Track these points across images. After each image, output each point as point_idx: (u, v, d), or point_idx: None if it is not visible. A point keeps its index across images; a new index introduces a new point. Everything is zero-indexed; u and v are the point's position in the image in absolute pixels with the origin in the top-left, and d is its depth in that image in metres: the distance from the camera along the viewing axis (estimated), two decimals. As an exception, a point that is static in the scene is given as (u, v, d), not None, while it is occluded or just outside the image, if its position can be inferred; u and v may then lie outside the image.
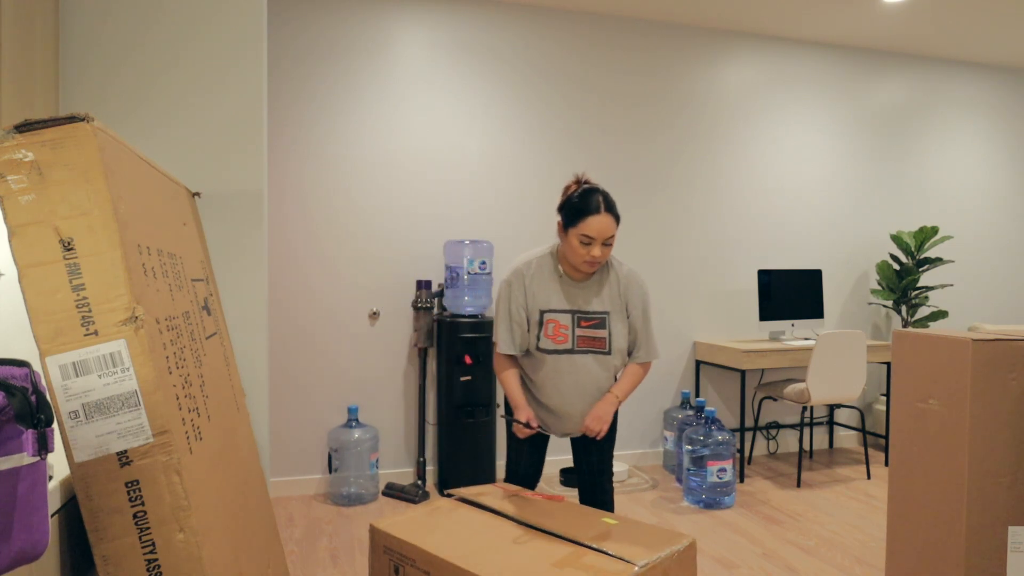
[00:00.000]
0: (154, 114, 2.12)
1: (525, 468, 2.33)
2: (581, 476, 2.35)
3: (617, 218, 2.09)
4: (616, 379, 2.29)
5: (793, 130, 4.78)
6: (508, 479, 2.35)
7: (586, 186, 2.12)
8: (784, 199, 4.77)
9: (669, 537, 1.76)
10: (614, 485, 4.04)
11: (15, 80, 1.82)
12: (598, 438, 2.20)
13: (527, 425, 2.17)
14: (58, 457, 1.28)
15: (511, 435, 2.32)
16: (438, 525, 1.90)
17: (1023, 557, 1.89)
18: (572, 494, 3.88)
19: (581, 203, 2.06)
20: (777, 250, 4.77)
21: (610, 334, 2.20)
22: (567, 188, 2.17)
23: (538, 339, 2.17)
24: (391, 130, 3.98)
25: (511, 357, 2.26)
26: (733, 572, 2.88)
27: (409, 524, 1.91)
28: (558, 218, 2.14)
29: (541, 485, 4.03)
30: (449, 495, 2.14)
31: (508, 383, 2.22)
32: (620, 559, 1.63)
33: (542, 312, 2.17)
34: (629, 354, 2.28)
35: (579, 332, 2.17)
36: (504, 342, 2.20)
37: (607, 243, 2.08)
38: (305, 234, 3.86)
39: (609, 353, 2.20)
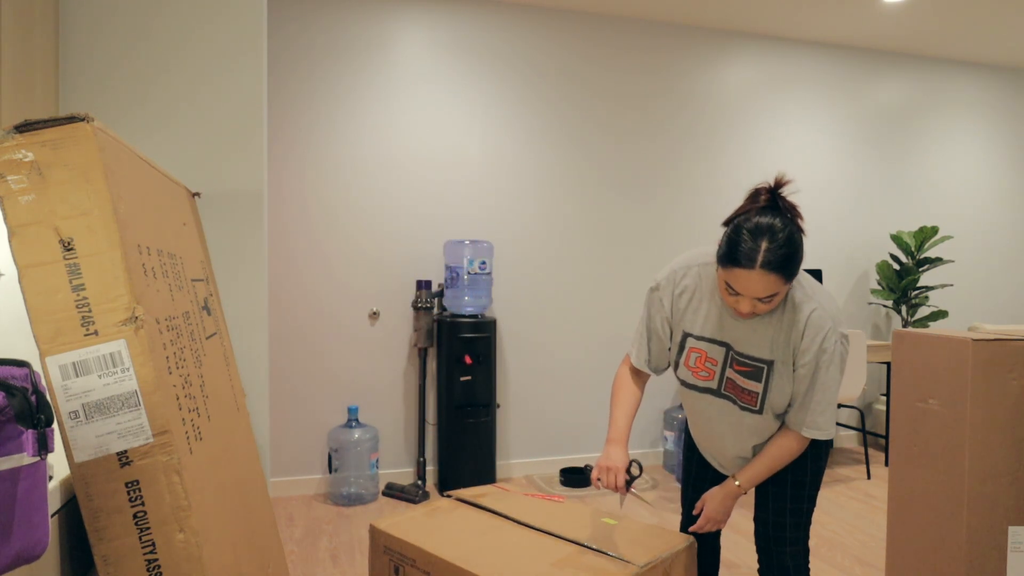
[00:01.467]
0: (154, 114, 2.12)
1: (687, 497, 1.95)
2: (756, 532, 1.83)
3: (786, 274, 1.45)
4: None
5: (793, 130, 4.78)
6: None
7: (755, 220, 1.46)
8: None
9: (669, 537, 1.76)
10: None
11: (15, 80, 1.82)
12: (711, 529, 1.74)
13: (628, 479, 1.71)
14: (58, 457, 1.28)
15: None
16: (438, 525, 1.90)
17: (1023, 557, 1.89)
18: (572, 494, 3.88)
19: (729, 246, 1.47)
20: (777, 250, 4.76)
21: (766, 390, 1.63)
22: (751, 197, 1.53)
23: (677, 365, 1.74)
24: (391, 130, 3.98)
25: (639, 375, 1.81)
26: (733, 572, 2.88)
27: (409, 524, 1.91)
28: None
29: (539, 484, 4.03)
30: (448, 496, 2.13)
31: (617, 398, 1.75)
32: (620, 559, 1.63)
33: (685, 335, 1.69)
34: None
35: (729, 374, 1.66)
36: (636, 352, 1.78)
37: (764, 301, 1.49)
38: (305, 234, 3.86)
39: (760, 412, 1.66)
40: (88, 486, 1.09)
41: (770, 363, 1.60)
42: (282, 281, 3.84)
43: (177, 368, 1.31)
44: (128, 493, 1.10)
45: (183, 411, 1.28)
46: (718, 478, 1.91)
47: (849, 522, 3.46)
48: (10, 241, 1.08)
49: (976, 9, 4.18)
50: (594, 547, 1.71)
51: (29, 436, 0.91)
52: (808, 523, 1.74)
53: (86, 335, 1.09)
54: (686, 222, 4.55)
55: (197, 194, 2.13)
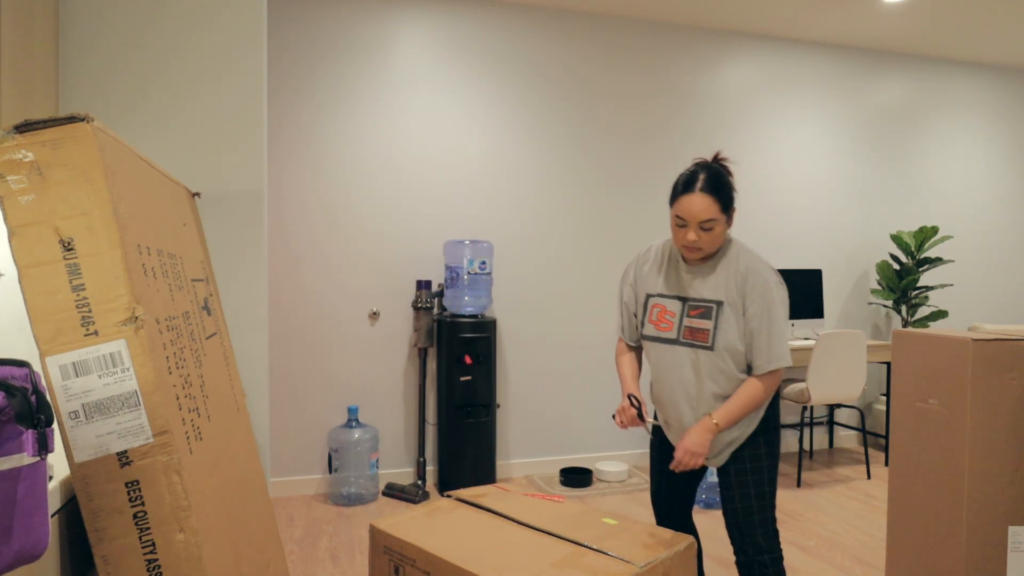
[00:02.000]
0: (154, 114, 2.12)
1: (659, 494, 2.12)
2: (727, 523, 1.99)
3: (722, 200, 1.83)
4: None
5: (793, 130, 4.78)
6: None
7: (693, 165, 1.90)
8: (784, 199, 4.77)
9: (669, 538, 1.76)
10: (615, 485, 4.04)
11: (15, 80, 1.82)
12: (686, 469, 1.89)
13: (635, 408, 1.91)
14: (58, 457, 1.28)
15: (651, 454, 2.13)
16: (438, 525, 1.90)
17: (1023, 557, 1.89)
18: (572, 494, 3.88)
19: (679, 180, 1.88)
20: (777, 250, 4.77)
21: (716, 327, 1.89)
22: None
23: (642, 324, 2.01)
24: (391, 130, 3.98)
25: (630, 348, 2.12)
26: (733, 572, 2.88)
27: (409, 524, 1.91)
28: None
29: (539, 484, 4.03)
30: (448, 496, 2.13)
31: (620, 367, 2.08)
32: (620, 559, 1.63)
33: (648, 296, 2.01)
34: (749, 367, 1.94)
35: (686, 322, 1.93)
36: (620, 328, 2.11)
37: (705, 227, 1.83)
38: (305, 234, 3.86)
39: (712, 349, 1.89)
40: (88, 486, 1.09)
41: (719, 303, 1.91)
42: (282, 281, 3.84)
43: (177, 368, 1.31)
44: (128, 493, 1.10)
45: (183, 411, 1.28)
46: (683, 473, 2.11)
47: (849, 522, 3.46)
48: (10, 241, 1.08)
49: (976, 9, 4.18)
50: (594, 547, 1.71)
51: (29, 436, 0.91)
52: (773, 504, 1.95)
53: (86, 335, 1.09)
54: (686, 222, 4.54)
55: (197, 194, 2.13)
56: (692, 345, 1.91)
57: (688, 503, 2.13)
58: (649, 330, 1.99)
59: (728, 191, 1.86)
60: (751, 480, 1.93)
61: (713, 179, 1.83)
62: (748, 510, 1.92)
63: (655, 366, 2.00)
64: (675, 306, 1.95)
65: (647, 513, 3.59)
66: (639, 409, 1.92)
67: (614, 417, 1.99)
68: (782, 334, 1.88)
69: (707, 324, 1.90)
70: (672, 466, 1.87)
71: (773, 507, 1.94)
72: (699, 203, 1.81)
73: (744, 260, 1.90)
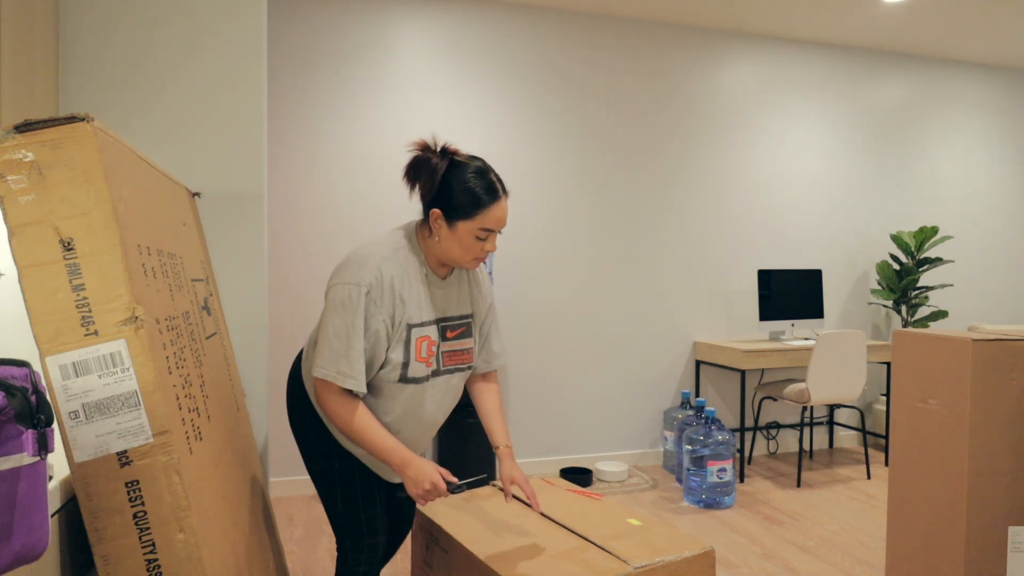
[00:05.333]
0: (154, 114, 2.12)
1: (384, 531, 1.75)
2: (396, 535, 1.90)
3: None
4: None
5: (793, 130, 4.78)
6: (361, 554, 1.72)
7: (464, 164, 1.57)
8: (784, 199, 4.77)
9: (684, 542, 1.74)
10: (614, 485, 4.04)
11: (15, 80, 1.82)
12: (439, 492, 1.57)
13: (463, 485, 1.57)
14: (58, 457, 1.28)
15: (345, 500, 1.69)
16: (470, 510, 1.99)
17: (1023, 557, 1.89)
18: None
19: (481, 188, 1.55)
20: (777, 250, 4.77)
21: (475, 343, 1.75)
22: (424, 163, 1.57)
23: (404, 366, 1.59)
24: (391, 130, 3.98)
25: (356, 397, 1.58)
26: (733, 572, 2.88)
27: (444, 507, 2.04)
28: (417, 203, 1.67)
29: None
30: (493, 485, 2.24)
31: (380, 434, 1.55)
32: (618, 558, 1.64)
33: (410, 327, 1.59)
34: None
35: (444, 347, 1.66)
36: (349, 370, 1.53)
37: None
38: (305, 234, 3.86)
39: (472, 368, 1.74)
40: (88, 486, 1.09)
41: (472, 315, 1.74)
42: (282, 281, 3.84)
43: (177, 368, 1.31)
44: (128, 493, 1.10)
45: (183, 411, 1.28)
46: (387, 491, 1.85)
47: (849, 522, 3.46)
48: (10, 241, 1.08)
49: (976, 9, 4.18)
50: (599, 544, 1.72)
51: (29, 436, 0.91)
52: None
53: (86, 335, 1.09)
54: (686, 222, 4.55)
55: (197, 194, 2.13)
56: (451, 371, 1.68)
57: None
58: (417, 370, 1.61)
59: None
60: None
61: (499, 176, 1.63)
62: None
63: (407, 409, 1.65)
64: (433, 332, 1.63)
65: (647, 513, 3.59)
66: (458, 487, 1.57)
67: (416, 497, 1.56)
68: (500, 330, 1.82)
69: (469, 343, 1.71)
70: (536, 508, 1.67)
71: None
72: (506, 208, 1.60)
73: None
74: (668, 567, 1.64)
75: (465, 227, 1.56)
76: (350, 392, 1.56)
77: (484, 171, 1.58)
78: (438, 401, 1.69)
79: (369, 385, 1.62)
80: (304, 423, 1.72)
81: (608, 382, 4.41)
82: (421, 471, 1.53)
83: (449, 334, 1.67)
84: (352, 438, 1.56)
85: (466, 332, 1.71)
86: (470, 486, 1.59)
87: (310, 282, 3.87)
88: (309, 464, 1.74)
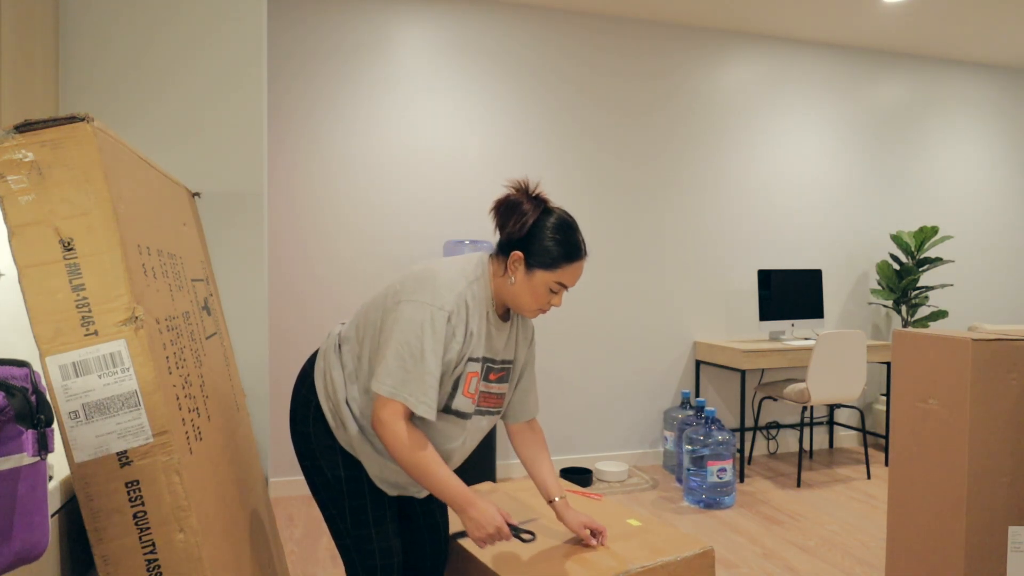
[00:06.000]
0: (154, 113, 2.12)
1: (397, 549, 1.66)
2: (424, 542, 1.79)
3: None
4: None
5: (793, 130, 4.78)
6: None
7: (557, 215, 1.58)
8: (784, 199, 4.77)
9: (683, 543, 1.72)
10: (615, 485, 4.04)
11: (15, 80, 1.82)
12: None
13: (527, 530, 1.61)
14: (58, 457, 1.28)
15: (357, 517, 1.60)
16: None
17: (1023, 557, 1.89)
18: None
19: (565, 245, 1.55)
20: (777, 250, 4.77)
21: (508, 391, 1.71)
22: (516, 206, 1.56)
23: (451, 397, 1.56)
24: (392, 130, 3.98)
25: (420, 425, 1.55)
26: (733, 572, 2.88)
27: None
28: (514, 251, 1.56)
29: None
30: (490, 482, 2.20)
31: (444, 468, 1.50)
32: (617, 558, 1.63)
33: (468, 361, 1.57)
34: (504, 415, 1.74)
35: (482, 387, 1.62)
36: (431, 401, 1.47)
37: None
38: (305, 234, 3.86)
39: (498, 414, 1.70)
40: (88, 486, 1.09)
41: (513, 362, 1.71)
42: (282, 281, 3.84)
43: (177, 368, 1.31)
44: (128, 493, 1.10)
45: (183, 411, 1.28)
46: (400, 508, 1.79)
47: (849, 522, 3.46)
48: (10, 241, 1.08)
49: (976, 9, 4.18)
50: (597, 543, 1.72)
51: (29, 436, 0.91)
52: None
53: (86, 335, 1.09)
54: (687, 222, 4.55)
55: (197, 194, 2.13)
56: (483, 413, 1.64)
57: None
58: (461, 404, 1.57)
59: None
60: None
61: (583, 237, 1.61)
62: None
63: (432, 441, 1.60)
64: (479, 369, 1.59)
65: (647, 513, 3.59)
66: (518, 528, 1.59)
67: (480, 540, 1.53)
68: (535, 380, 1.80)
69: (503, 388, 1.67)
70: (585, 538, 1.69)
71: None
72: (583, 268, 1.60)
73: None
74: (667, 567, 1.64)
75: (542, 276, 1.55)
76: (412, 418, 1.50)
77: (574, 227, 1.59)
78: (469, 441, 1.64)
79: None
80: (310, 431, 1.61)
81: (608, 382, 4.41)
82: (485, 514, 1.49)
83: (491, 376, 1.63)
84: (409, 466, 1.47)
85: (504, 377, 1.67)
86: (530, 532, 1.60)
87: (310, 282, 3.87)
88: (313, 476, 1.62)
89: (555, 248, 1.55)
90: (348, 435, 1.58)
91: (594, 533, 1.71)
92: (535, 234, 1.55)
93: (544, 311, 1.61)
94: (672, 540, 1.75)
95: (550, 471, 1.75)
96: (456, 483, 1.49)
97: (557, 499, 1.72)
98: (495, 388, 1.65)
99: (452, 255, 3.84)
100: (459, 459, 1.67)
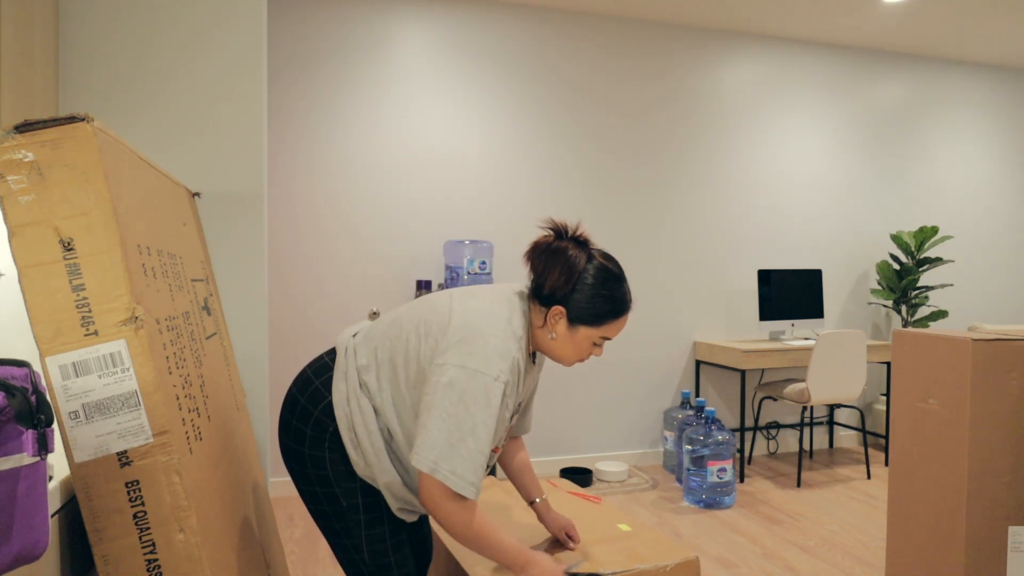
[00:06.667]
0: (154, 113, 2.12)
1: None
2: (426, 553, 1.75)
3: None
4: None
5: (792, 130, 4.78)
6: None
7: (603, 265, 1.47)
8: (784, 199, 4.77)
9: (668, 551, 1.69)
10: (615, 485, 4.04)
11: (15, 80, 1.82)
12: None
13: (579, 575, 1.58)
14: (58, 457, 1.28)
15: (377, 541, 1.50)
16: None
17: (1023, 557, 1.89)
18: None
19: (612, 301, 1.46)
20: (777, 250, 4.77)
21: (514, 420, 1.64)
22: (560, 253, 1.45)
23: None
24: (391, 130, 3.98)
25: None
26: (733, 572, 2.88)
27: None
28: (555, 306, 1.46)
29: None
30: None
31: (501, 533, 1.43)
32: (593, 562, 1.63)
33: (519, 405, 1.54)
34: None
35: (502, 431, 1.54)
36: (477, 481, 1.35)
37: None
38: (305, 234, 3.86)
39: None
40: (88, 486, 1.09)
41: (523, 402, 1.64)
42: (282, 281, 3.84)
43: (177, 368, 1.31)
44: (128, 493, 1.10)
45: (183, 411, 1.28)
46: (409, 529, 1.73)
47: (849, 522, 3.46)
48: (10, 241, 1.08)
49: (976, 9, 4.18)
50: (575, 548, 1.71)
51: (29, 436, 0.91)
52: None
53: (86, 335, 1.09)
54: (687, 222, 4.55)
55: (197, 194, 2.13)
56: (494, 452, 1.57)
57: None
58: (491, 458, 1.50)
59: None
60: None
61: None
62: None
63: None
64: (507, 420, 1.49)
65: (647, 513, 3.59)
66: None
67: None
68: None
69: (513, 420, 1.57)
70: (568, 542, 1.68)
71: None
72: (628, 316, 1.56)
73: None
74: (646, 574, 1.61)
75: (587, 332, 1.46)
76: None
77: (621, 278, 1.48)
78: None
79: None
80: (325, 455, 1.46)
81: (608, 382, 4.41)
82: (547, 570, 1.44)
83: (512, 418, 1.55)
84: (468, 542, 1.38)
85: (518, 411, 1.59)
86: None
87: (310, 282, 3.87)
88: (327, 506, 1.48)
89: (602, 305, 1.44)
90: (372, 470, 1.45)
91: (572, 537, 1.70)
92: (579, 287, 1.44)
93: (583, 360, 1.54)
94: (657, 547, 1.70)
95: (532, 475, 1.74)
96: (513, 545, 1.42)
97: (538, 500, 1.72)
98: (511, 422, 1.57)
99: (452, 255, 3.86)
100: None
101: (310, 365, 1.56)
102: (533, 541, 1.75)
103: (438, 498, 1.33)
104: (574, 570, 1.53)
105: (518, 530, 1.82)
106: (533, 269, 1.47)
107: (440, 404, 1.33)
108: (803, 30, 4.58)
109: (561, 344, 1.48)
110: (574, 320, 1.45)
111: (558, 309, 1.45)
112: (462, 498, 1.34)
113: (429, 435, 1.33)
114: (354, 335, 1.55)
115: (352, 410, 1.44)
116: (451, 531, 1.37)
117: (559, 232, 1.48)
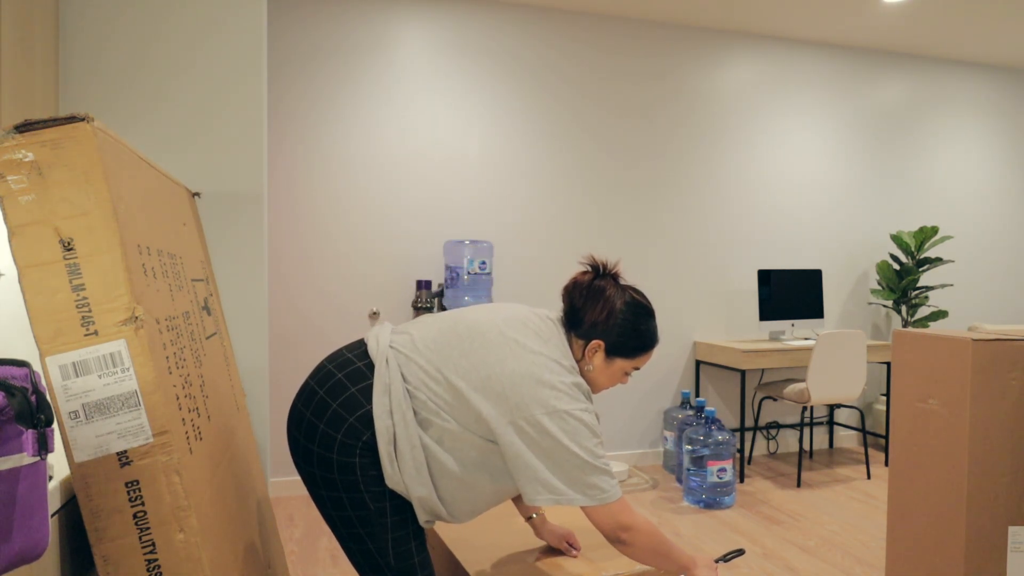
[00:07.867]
0: (154, 114, 2.12)
1: None
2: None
3: None
4: None
5: (793, 130, 4.78)
6: None
7: (636, 301, 1.59)
8: (784, 199, 4.77)
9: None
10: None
11: (15, 80, 1.82)
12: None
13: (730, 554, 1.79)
14: (58, 457, 1.28)
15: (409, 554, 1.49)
16: None
17: (1023, 557, 1.89)
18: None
19: (647, 336, 1.58)
20: (777, 250, 4.77)
21: None
22: (600, 292, 1.57)
23: None
24: (392, 130, 3.98)
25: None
26: (733, 572, 2.88)
27: None
28: (595, 340, 1.55)
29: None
30: None
31: (672, 544, 1.54)
32: (592, 564, 1.64)
33: None
34: None
35: None
36: (614, 480, 1.49)
37: None
38: (305, 234, 3.86)
39: None
40: (88, 486, 1.09)
41: None
42: (282, 281, 3.84)
43: (177, 368, 1.31)
44: (128, 493, 1.10)
45: (183, 411, 1.28)
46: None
47: (849, 522, 3.46)
48: (10, 241, 1.08)
49: (976, 9, 4.18)
50: (578, 551, 1.72)
51: (29, 436, 0.91)
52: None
53: (86, 335, 1.09)
54: (687, 222, 4.55)
55: (197, 194, 2.13)
56: None
57: None
58: None
59: None
60: None
61: None
62: None
63: (486, 496, 1.55)
64: None
65: (647, 513, 3.59)
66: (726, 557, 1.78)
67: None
68: None
69: None
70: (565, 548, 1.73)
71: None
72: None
73: None
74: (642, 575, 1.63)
75: (622, 364, 1.58)
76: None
77: (652, 314, 1.60)
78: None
79: (489, 465, 1.48)
80: (355, 461, 1.44)
81: (608, 382, 4.41)
82: (709, 564, 1.58)
83: None
84: (649, 542, 1.47)
85: None
86: (725, 559, 1.77)
87: (310, 282, 3.87)
88: (352, 511, 1.45)
89: (638, 340, 1.57)
90: (406, 482, 1.45)
91: (573, 544, 1.73)
92: (617, 323, 1.55)
93: (610, 386, 1.65)
94: None
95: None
96: (679, 549, 1.52)
97: (534, 516, 1.75)
98: None
99: (452, 255, 3.85)
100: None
101: (338, 366, 1.50)
102: (536, 545, 1.75)
103: (628, 515, 1.45)
104: (722, 555, 1.75)
105: (520, 536, 1.82)
106: (572, 303, 1.58)
107: (568, 447, 1.42)
108: (803, 30, 4.58)
109: (598, 374, 1.58)
110: (611, 352, 1.56)
111: (597, 343, 1.55)
112: (636, 511, 1.47)
113: (586, 477, 1.43)
114: (391, 343, 1.50)
115: (396, 422, 1.43)
116: (646, 534, 1.46)
117: (597, 270, 1.61)
